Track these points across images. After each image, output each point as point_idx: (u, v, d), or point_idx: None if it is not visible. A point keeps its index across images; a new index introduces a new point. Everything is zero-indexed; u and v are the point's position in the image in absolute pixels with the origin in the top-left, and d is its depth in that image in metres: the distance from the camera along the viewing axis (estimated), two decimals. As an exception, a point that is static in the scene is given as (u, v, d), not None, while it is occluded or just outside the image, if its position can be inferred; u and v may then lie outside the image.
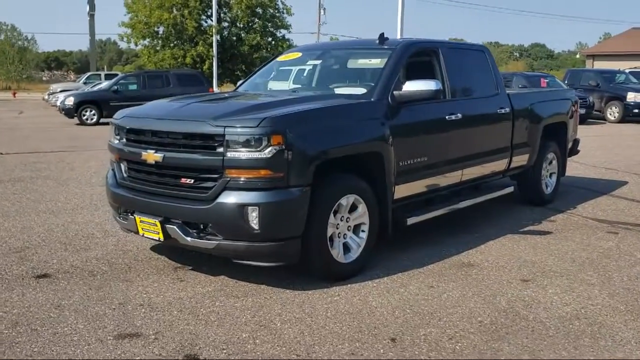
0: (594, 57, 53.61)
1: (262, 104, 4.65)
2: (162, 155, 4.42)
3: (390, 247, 5.40)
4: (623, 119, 21.78)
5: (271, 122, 4.16)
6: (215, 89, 28.66)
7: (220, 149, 4.20)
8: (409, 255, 5.32)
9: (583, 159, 10.83)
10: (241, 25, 35.35)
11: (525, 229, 6.42)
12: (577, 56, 61.60)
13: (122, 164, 4.95)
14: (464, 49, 6.38)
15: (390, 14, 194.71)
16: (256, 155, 4.12)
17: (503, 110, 6.50)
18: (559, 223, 6.70)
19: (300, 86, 5.85)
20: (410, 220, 5.29)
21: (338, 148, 4.55)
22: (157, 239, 4.55)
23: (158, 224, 4.46)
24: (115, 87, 21.25)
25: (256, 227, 4.15)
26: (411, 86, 5.07)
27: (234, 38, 35.71)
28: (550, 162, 7.71)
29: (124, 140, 4.88)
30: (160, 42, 34.46)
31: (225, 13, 35.46)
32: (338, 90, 5.36)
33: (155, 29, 33.62)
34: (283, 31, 36.10)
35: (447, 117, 5.62)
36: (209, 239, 4.32)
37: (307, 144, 4.29)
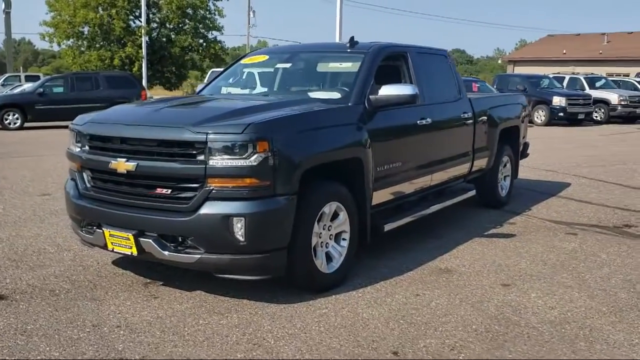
0: (514, 62, 55.93)
1: (240, 109, 4.41)
2: (134, 164, 4.11)
3: (367, 255, 5.30)
4: (549, 122, 22.74)
5: (256, 128, 3.96)
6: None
7: (201, 157, 3.96)
8: (386, 263, 5.23)
9: (523, 161, 11.14)
10: (171, 27, 34.52)
11: (490, 232, 6.48)
12: (499, 62, 64.03)
13: (84, 174, 4.59)
14: (429, 53, 6.37)
15: (314, 17, 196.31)
16: (241, 162, 3.90)
17: (466, 115, 6.55)
18: (519, 225, 6.81)
19: (270, 90, 5.65)
20: (387, 227, 5.20)
21: (323, 154, 4.40)
22: (130, 253, 4.24)
23: (131, 238, 4.15)
24: (41, 90, 20.11)
25: (242, 238, 3.93)
26: (387, 90, 4.99)
27: (164, 39, 34.83)
28: (505, 165, 7.86)
29: (87, 147, 4.53)
30: (85, 42, 33.12)
31: (154, 13, 34.52)
32: (312, 95, 5.19)
33: (80, 29, 32.30)
34: (215, 33, 35.54)
35: (418, 121, 5.58)
36: (188, 253, 4.06)
37: (293, 150, 4.12)
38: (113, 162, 4.22)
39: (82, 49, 33.18)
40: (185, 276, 4.73)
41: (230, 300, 4.32)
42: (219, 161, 3.91)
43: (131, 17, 33.50)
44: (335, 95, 5.10)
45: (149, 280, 4.75)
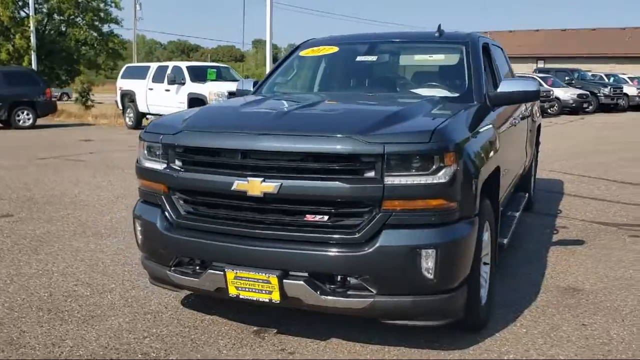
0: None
1: (393, 112, 3.51)
2: (277, 184, 3.13)
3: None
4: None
5: (444, 136, 3.13)
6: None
7: (371, 173, 3.07)
8: (501, 284, 4.56)
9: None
10: (63, 18, 31.54)
11: (556, 239, 6.04)
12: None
13: (174, 197, 3.52)
14: (497, 45, 5.77)
15: (208, 13, 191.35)
16: (428, 180, 3.05)
17: (527, 112, 6.05)
18: (576, 229, 6.42)
19: (362, 87, 4.76)
20: (506, 242, 4.54)
21: (489, 164, 3.65)
22: (268, 300, 3.24)
23: (274, 280, 3.17)
24: None
25: (431, 275, 3.10)
26: (509, 87, 4.32)
27: (53, 32, 31.78)
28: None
29: (182, 164, 3.47)
30: (-36, 34, 29.41)
31: (40, 3, 31.34)
32: (423, 93, 4.39)
33: (-42, 18, 28.59)
34: (113, 25, 32.95)
35: (515, 119, 4.98)
36: (358, 297, 3.15)
37: (472, 162, 3.33)
38: (240, 182, 3.20)
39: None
40: (296, 317, 3.81)
41: (381, 349, 3.47)
42: (399, 178, 3.04)
43: (19, 5, 30.10)
44: (451, 93, 4.35)
45: (255, 328, 3.76)
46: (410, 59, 4.99)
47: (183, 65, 16.94)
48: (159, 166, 3.55)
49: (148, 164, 3.65)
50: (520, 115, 5.53)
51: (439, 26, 4.88)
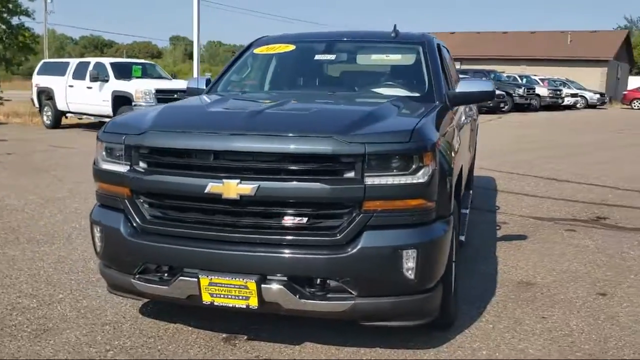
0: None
1: (368, 112, 3.47)
2: (254, 186, 3.02)
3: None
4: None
5: (422, 136, 3.13)
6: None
7: (351, 174, 3.03)
8: (460, 281, 4.64)
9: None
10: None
11: (500, 234, 6.24)
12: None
13: (139, 201, 3.33)
14: (445, 47, 5.87)
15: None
16: (408, 180, 3.04)
17: (471, 112, 6.21)
18: (515, 225, 6.67)
19: (323, 87, 4.69)
20: (463, 239, 4.64)
21: (456, 164, 3.69)
22: (245, 306, 3.12)
23: (252, 286, 3.06)
24: None
25: (412, 275, 3.09)
26: (467, 87, 4.40)
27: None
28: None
29: (147, 165, 3.29)
30: None
31: None
32: (384, 92, 4.39)
33: None
34: (23, 18, 31.10)
35: (467, 117, 5.10)
36: (339, 299, 3.10)
37: (446, 162, 3.36)
38: (214, 184, 3.07)
39: None
40: (263, 322, 3.72)
41: (357, 351, 3.44)
42: (379, 178, 3.01)
43: None
44: (411, 93, 4.37)
45: (224, 335, 3.64)
46: (367, 59, 4.99)
47: (106, 61, 16.22)
48: (121, 168, 3.35)
49: (107, 166, 3.44)
50: (467, 115, 5.67)
51: (395, 26, 4.90)
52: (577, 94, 37.45)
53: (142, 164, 3.31)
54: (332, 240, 3.04)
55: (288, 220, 3.10)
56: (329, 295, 3.11)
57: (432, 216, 3.17)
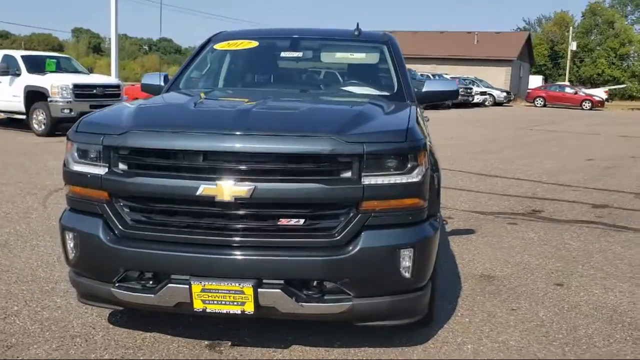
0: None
1: (358, 112, 3.44)
2: (250, 187, 2.92)
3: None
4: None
5: (415, 135, 3.15)
6: None
7: (349, 174, 3.00)
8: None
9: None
10: None
11: (450, 229, 6.41)
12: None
13: (118, 205, 3.14)
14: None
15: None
16: (403, 179, 3.05)
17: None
18: (460, 219, 6.88)
19: (291, 86, 4.59)
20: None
21: (438, 162, 3.74)
22: (240, 312, 3.01)
23: (248, 291, 2.96)
24: None
25: (408, 274, 3.11)
26: (433, 86, 4.49)
27: None
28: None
29: (127, 167, 3.11)
30: None
31: None
32: (355, 91, 4.38)
33: None
34: None
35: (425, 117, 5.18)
36: (336, 301, 3.06)
37: (434, 161, 3.42)
38: (207, 186, 2.94)
39: None
40: (242, 327, 3.63)
41: (347, 352, 3.42)
42: (376, 178, 3.00)
43: None
44: (381, 91, 4.39)
45: (206, 342, 3.50)
46: (332, 57, 4.96)
47: (17, 54, 15.21)
48: (98, 170, 3.14)
49: (80, 168, 3.22)
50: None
51: (357, 25, 4.90)
52: (485, 92, 39.25)
53: (122, 166, 3.12)
54: (331, 241, 3.00)
55: (284, 222, 3.03)
56: (325, 297, 3.07)
57: (425, 215, 3.20)
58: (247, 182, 2.93)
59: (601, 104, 41.60)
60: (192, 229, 3.07)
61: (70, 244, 3.28)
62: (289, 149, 2.95)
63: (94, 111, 3.56)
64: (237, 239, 3.02)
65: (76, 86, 14.06)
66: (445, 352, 3.48)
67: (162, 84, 4.65)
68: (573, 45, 62.84)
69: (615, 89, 54.80)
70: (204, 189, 2.94)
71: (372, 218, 3.02)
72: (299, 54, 4.71)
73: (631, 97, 58.03)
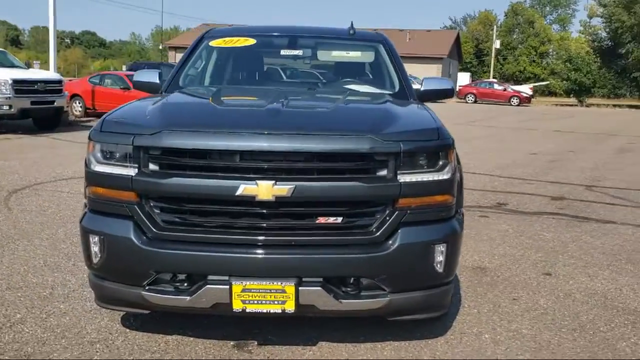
0: (175, 49, 56.39)
1: (384, 109, 3.50)
2: (291, 187, 2.93)
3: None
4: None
5: (445, 133, 3.25)
6: None
7: (385, 172, 3.06)
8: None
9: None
10: None
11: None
12: (160, 47, 63.34)
13: (148, 206, 3.07)
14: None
15: None
16: (436, 176, 3.15)
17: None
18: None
19: (298, 83, 4.58)
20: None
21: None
22: (280, 310, 3.01)
23: (290, 289, 2.97)
24: None
25: (441, 269, 3.20)
26: (431, 85, 4.61)
27: None
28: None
29: (159, 168, 3.05)
30: None
31: None
32: (360, 89, 4.43)
33: None
34: None
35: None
36: (374, 297, 3.11)
37: (457, 159, 3.51)
38: (247, 186, 2.92)
39: None
40: (263, 326, 3.63)
41: (374, 346, 3.48)
42: (411, 176, 3.07)
43: None
44: (384, 90, 4.47)
45: (232, 342, 3.48)
46: (328, 55, 4.98)
47: (-53, 47, 14.34)
48: (127, 172, 3.05)
49: (106, 169, 3.11)
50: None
51: (351, 23, 4.95)
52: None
53: (153, 166, 3.06)
54: (370, 238, 3.05)
55: (323, 220, 3.05)
56: (362, 294, 3.12)
57: (453, 211, 3.30)
58: (287, 182, 2.93)
59: (528, 100, 43.46)
60: (230, 228, 3.04)
61: (94, 248, 3.17)
62: (330, 148, 2.97)
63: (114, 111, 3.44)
64: (276, 237, 3.02)
65: (16, 81, 13.43)
66: (466, 342, 3.60)
67: (157, 81, 4.54)
68: (497, 44, 65.25)
69: (538, 85, 57.32)
70: (244, 188, 2.92)
71: (409, 215, 3.09)
72: (299, 52, 4.72)
73: (553, 94, 60.96)
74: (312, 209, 3.03)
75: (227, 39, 4.78)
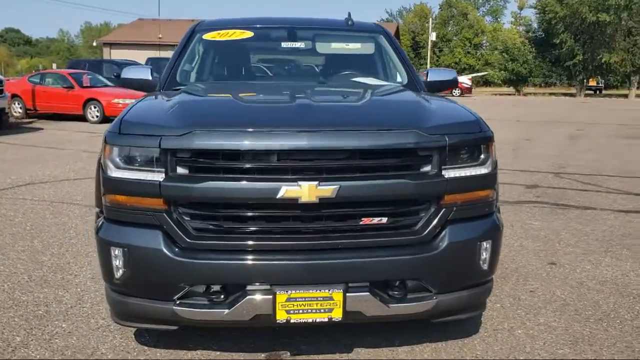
0: (110, 45, 54.62)
1: (411, 102, 3.34)
2: (335, 187, 2.74)
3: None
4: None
5: (484, 126, 3.12)
6: None
7: (428, 167, 2.91)
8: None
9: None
10: None
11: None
12: (94, 44, 60.97)
13: (176, 213, 2.82)
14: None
15: None
16: (478, 170, 3.02)
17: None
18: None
19: (303, 77, 4.36)
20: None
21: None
22: (327, 319, 2.81)
23: (338, 296, 2.79)
24: None
25: (486, 267, 3.08)
26: (437, 76, 4.50)
27: None
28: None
29: (189, 171, 2.79)
30: None
31: None
32: (363, 82, 4.25)
33: None
34: None
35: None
36: (419, 299, 2.96)
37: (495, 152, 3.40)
38: (290, 188, 2.70)
39: None
40: (287, 336, 3.43)
41: (412, 350, 3.34)
42: (455, 170, 2.93)
43: None
44: (394, 82, 4.32)
45: (263, 355, 3.26)
46: (328, 47, 4.77)
47: None
48: (154, 177, 2.78)
49: (128, 175, 2.83)
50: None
51: (349, 14, 4.77)
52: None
53: (181, 170, 2.80)
54: (417, 238, 2.90)
55: (368, 221, 2.87)
56: (409, 297, 2.96)
57: (494, 206, 3.19)
58: (332, 182, 2.74)
59: (469, 90, 44.40)
60: (269, 234, 2.82)
61: (117, 262, 2.88)
62: (376, 145, 2.79)
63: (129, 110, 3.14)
64: (320, 242, 2.82)
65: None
66: (502, 339, 3.51)
67: (149, 78, 4.24)
68: (433, 36, 66.18)
69: (477, 76, 58.68)
70: (286, 190, 2.71)
71: (455, 212, 2.95)
72: (298, 45, 4.49)
73: (489, 83, 62.52)
74: (356, 209, 2.85)
75: (221, 31, 4.50)
